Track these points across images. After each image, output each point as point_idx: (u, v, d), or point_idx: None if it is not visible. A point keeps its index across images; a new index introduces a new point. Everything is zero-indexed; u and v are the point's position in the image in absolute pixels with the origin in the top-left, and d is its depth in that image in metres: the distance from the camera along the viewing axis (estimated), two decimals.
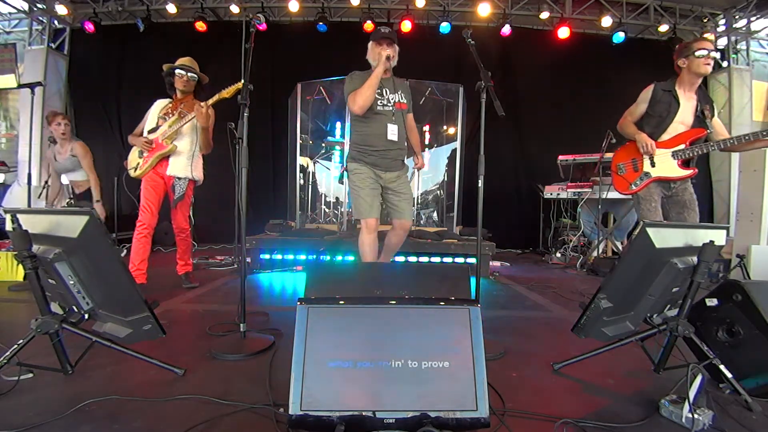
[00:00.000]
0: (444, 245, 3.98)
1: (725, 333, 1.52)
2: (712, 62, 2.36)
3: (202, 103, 2.74)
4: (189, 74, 2.91)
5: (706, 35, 5.93)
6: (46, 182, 3.66)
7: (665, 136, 2.50)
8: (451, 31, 5.91)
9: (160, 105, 2.99)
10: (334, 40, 6.13)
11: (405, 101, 2.65)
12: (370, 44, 2.54)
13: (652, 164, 2.49)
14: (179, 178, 2.91)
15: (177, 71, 2.89)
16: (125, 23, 6.24)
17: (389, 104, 2.56)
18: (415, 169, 2.88)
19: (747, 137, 2.32)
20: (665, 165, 2.47)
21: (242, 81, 2.39)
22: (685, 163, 2.49)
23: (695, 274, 1.44)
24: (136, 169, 2.89)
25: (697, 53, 2.35)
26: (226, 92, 2.61)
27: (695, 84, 2.46)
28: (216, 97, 2.69)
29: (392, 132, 2.54)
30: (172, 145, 2.85)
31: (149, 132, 2.89)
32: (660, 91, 2.51)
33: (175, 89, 2.96)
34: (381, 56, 2.43)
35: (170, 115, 2.90)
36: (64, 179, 3.39)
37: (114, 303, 1.44)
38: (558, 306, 2.86)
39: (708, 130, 2.44)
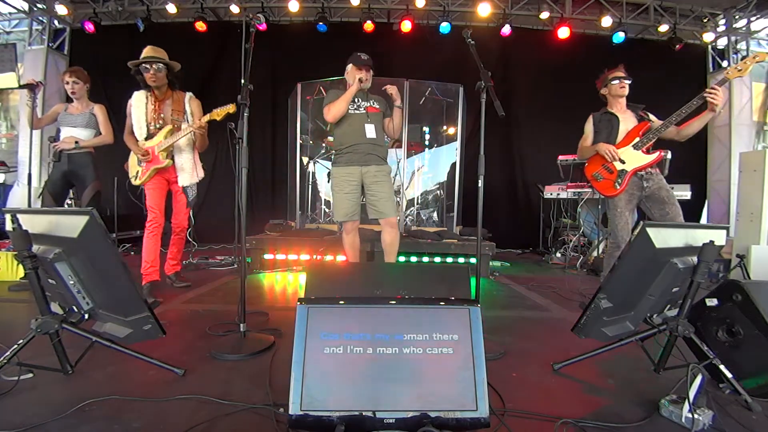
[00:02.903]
0: (444, 245, 3.98)
1: (725, 333, 1.52)
2: (626, 86, 2.68)
3: (199, 122, 2.73)
4: (154, 66, 2.77)
5: (705, 35, 5.94)
6: (46, 182, 3.63)
7: (618, 139, 2.70)
8: (451, 31, 5.90)
9: (140, 104, 2.87)
10: (334, 40, 6.12)
11: (378, 106, 2.83)
12: (350, 66, 2.78)
13: (622, 161, 2.63)
14: (189, 186, 2.97)
15: (142, 66, 2.79)
16: (125, 23, 6.24)
17: (360, 108, 2.78)
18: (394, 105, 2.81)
19: (684, 110, 2.44)
20: (633, 157, 2.62)
21: (233, 105, 2.48)
22: (648, 151, 2.63)
23: (695, 274, 1.44)
24: (136, 177, 2.91)
25: (612, 82, 2.71)
26: (217, 114, 2.63)
27: (621, 104, 2.75)
28: (208, 117, 2.70)
29: (370, 130, 2.75)
30: (168, 160, 2.85)
31: (145, 139, 2.86)
32: (598, 116, 2.82)
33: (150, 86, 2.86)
34: (355, 78, 2.70)
35: (159, 122, 2.85)
36: (65, 132, 3.13)
37: (114, 303, 1.44)
38: (558, 306, 2.86)
39: (650, 122, 2.65)
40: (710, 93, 2.31)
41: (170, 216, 3.05)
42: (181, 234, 3.13)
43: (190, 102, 2.94)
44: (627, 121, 2.71)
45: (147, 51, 2.83)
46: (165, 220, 2.94)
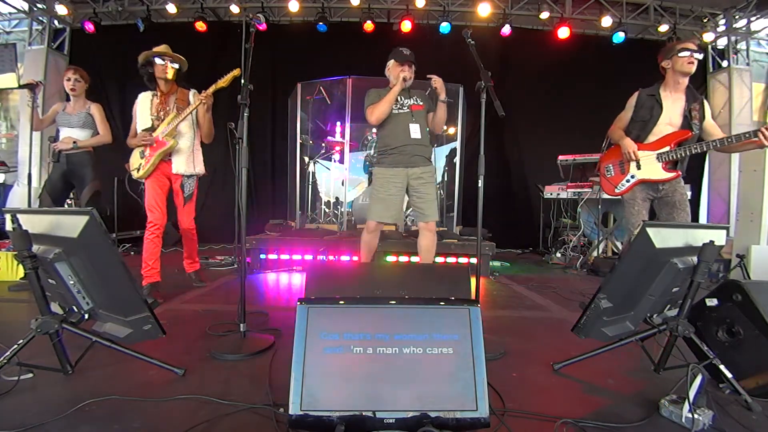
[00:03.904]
0: (444, 245, 3.98)
1: (725, 333, 1.52)
2: (695, 62, 2.38)
3: (204, 93, 2.70)
4: (168, 60, 2.79)
5: (705, 36, 5.93)
6: (46, 182, 3.62)
7: (651, 138, 2.52)
8: (451, 31, 5.90)
9: (146, 101, 2.87)
10: (334, 40, 6.13)
11: (421, 103, 2.73)
12: (391, 62, 2.65)
13: (638, 166, 2.52)
14: (187, 176, 2.91)
15: (157, 60, 2.78)
16: (125, 23, 6.24)
17: (404, 107, 2.68)
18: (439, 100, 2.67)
19: (730, 139, 2.31)
20: (650, 167, 2.50)
21: (238, 69, 2.37)
22: (674, 164, 2.50)
23: (695, 274, 1.44)
24: (138, 170, 2.84)
25: (680, 54, 2.38)
26: (223, 81, 2.61)
27: (681, 84, 2.46)
28: (213, 87, 2.67)
29: (414, 130, 2.65)
30: (173, 141, 2.79)
31: (145, 131, 2.83)
32: (644, 96, 2.55)
33: (155, 81, 2.85)
34: (399, 77, 2.57)
35: (164, 112, 2.83)
36: (64, 133, 3.13)
37: (114, 303, 1.44)
38: (558, 306, 2.86)
39: (693, 132, 2.43)
40: (765, 134, 2.18)
41: (175, 220, 3.03)
42: (190, 235, 3.09)
43: (194, 97, 2.91)
44: (672, 112, 2.46)
45: (160, 48, 2.84)
46: (167, 220, 2.90)
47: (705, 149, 2.40)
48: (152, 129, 2.82)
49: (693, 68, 2.39)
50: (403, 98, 2.68)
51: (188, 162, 2.89)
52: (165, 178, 2.89)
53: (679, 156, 2.43)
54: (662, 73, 2.52)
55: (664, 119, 2.48)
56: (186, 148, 2.88)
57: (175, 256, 3.38)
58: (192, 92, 2.96)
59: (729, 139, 2.31)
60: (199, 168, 2.97)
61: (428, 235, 2.72)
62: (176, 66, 2.84)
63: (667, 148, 2.46)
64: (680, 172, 2.49)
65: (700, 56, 2.39)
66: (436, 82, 2.54)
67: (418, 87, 2.77)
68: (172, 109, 2.84)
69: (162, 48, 2.83)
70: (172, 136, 2.80)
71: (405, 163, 2.66)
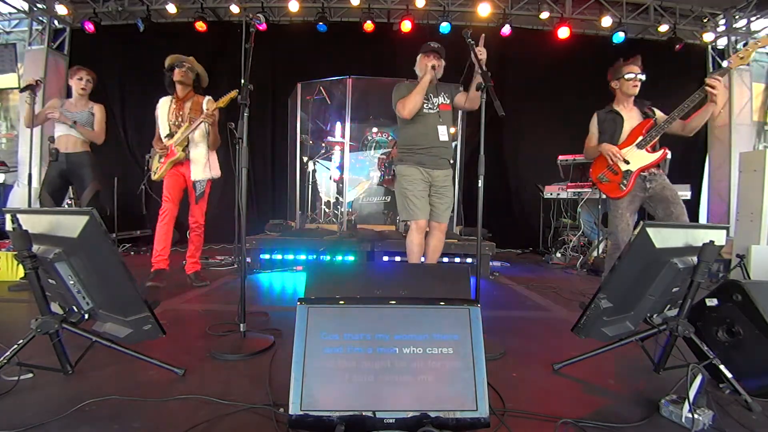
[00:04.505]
0: (444, 245, 3.97)
1: (725, 333, 1.52)
2: (639, 84, 2.59)
3: (206, 113, 2.92)
4: (187, 65, 3.02)
5: (705, 35, 5.94)
6: (44, 181, 3.62)
7: (622, 139, 2.66)
8: (451, 31, 5.90)
9: (165, 106, 3.08)
10: (334, 40, 6.12)
11: (447, 102, 2.71)
12: (419, 56, 2.65)
13: (626, 162, 2.59)
14: (199, 181, 3.10)
15: (178, 62, 3.00)
16: (125, 23, 6.23)
17: (434, 107, 2.65)
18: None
19: (686, 105, 2.40)
20: (637, 157, 2.58)
21: (236, 90, 2.58)
22: (654, 149, 2.60)
23: (695, 274, 1.44)
24: (155, 172, 3.10)
25: (626, 76, 2.60)
26: (221, 102, 2.87)
27: (629, 101, 2.67)
28: (214, 105, 2.90)
29: (442, 132, 2.64)
30: (181, 152, 2.99)
31: (166, 137, 3.05)
32: (603, 114, 2.76)
33: (174, 85, 3.04)
34: (427, 67, 2.55)
35: (180, 119, 3.03)
36: (62, 130, 3.13)
37: (114, 303, 1.44)
38: (558, 306, 2.86)
39: (654, 118, 2.60)
40: (709, 84, 2.30)
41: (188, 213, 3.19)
42: (198, 231, 3.20)
43: (207, 104, 3.06)
44: (632, 119, 2.65)
45: (191, 59, 3.09)
46: (177, 212, 3.09)
47: (671, 121, 2.48)
48: (171, 135, 3.05)
49: (636, 90, 2.60)
50: (432, 96, 2.65)
51: (204, 169, 3.10)
52: (180, 176, 3.09)
53: (653, 136, 2.54)
54: (613, 92, 2.74)
55: (627, 126, 2.64)
56: (202, 156, 3.08)
57: (176, 257, 3.38)
58: (207, 99, 3.11)
59: (685, 105, 2.41)
60: (215, 172, 3.18)
61: (439, 236, 2.73)
62: (193, 72, 3.06)
63: (640, 138, 2.58)
64: (666, 149, 2.59)
65: (643, 77, 2.59)
66: (482, 53, 2.25)
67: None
68: (186, 118, 3.04)
69: (190, 60, 3.08)
70: (182, 146, 3.00)
71: (431, 165, 2.64)
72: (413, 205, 2.62)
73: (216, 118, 2.97)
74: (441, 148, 2.65)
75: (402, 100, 2.59)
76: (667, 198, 2.56)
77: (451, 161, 2.77)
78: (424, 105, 2.60)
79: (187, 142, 3.02)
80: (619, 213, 2.64)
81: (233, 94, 2.75)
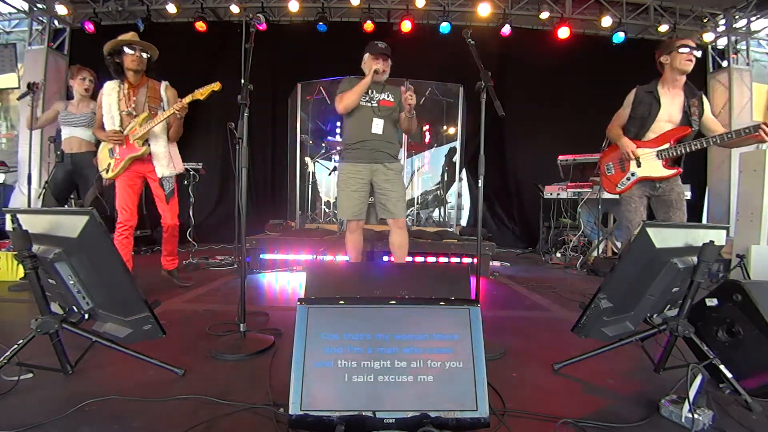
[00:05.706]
0: (444, 245, 3.98)
1: (725, 333, 1.52)
2: (693, 60, 2.36)
3: (179, 103, 2.58)
4: (141, 53, 2.68)
5: (705, 35, 5.93)
6: (47, 182, 3.63)
7: (650, 135, 2.51)
8: (451, 31, 5.91)
9: (113, 93, 2.72)
10: (334, 40, 6.12)
11: (392, 100, 2.69)
12: (367, 55, 2.64)
13: (638, 164, 2.51)
14: (166, 177, 2.83)
15: (126, 50, 2.66)
16: (125, 23, 6.23)
17: (373, 101, 2.64)
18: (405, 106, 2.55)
19: (730, 135, 2.29)
20: (650, 165, 2.49)
21: (218, 83, 2.43)
22: (675, 161, 2.49)
23: (695, 274, 1.44)
24: (108, 170, 2.74)
25: (680, 50, 2.36)
26: (200, 93, 2.50)
27: (679, 81, 2.44)
28: (190, 98, 2.55)
29: (377, 125, 2.61)
30: (145, 147, 2.70)
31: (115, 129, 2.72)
32: (642, 93, 2.53)
33: (123, 72, 2.72)
34: (371, 70, 2.56)
35: (134, 108, 2.71)
36: (67, 132, 3.12)
37: (114, 303, 1.44)
38: (558, 306, 2.86)
39: (693, 128, 2.42)
40: (765, 129, 2.16)
41: (156, 219, 2.97)
42: (173, 232, 2.96)
43: (166, 90, 2.83)
44: (671, 109, 2.44)
45: (131, 36, 2.73)
46: (137, 220, 2.84)
47: (705, 145, 2.38)
48: (121, 125, 2.70)
49: (691, 66, 2.38)
50: (374, 91, 2.64)
51: (168, 164, 2.82)
52: (137, 177, 2.81)
53: (679, 153, 2.42)
54: (660, 70, 2.50)
55: (662, 116, 2.46)
56: (163, 150, 2.79)
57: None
58: (164, 85, 2.84)
59: (729, 135, 2.30)
60: (179, 167, 2.90)
61: (399, 233, 2.71)
62: (147, 55, 2.73)
63: (666, 146, 2.45)
64: (680, 170, 2.48)
65: (699, 54, 2.38)
66: (410, 98, 2.46)
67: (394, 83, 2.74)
68: (143, 107, 2.71)
69: (129, 36, 2.72)
70: (143, 140, 2.70)
71: (367, 159, 2.62)
72: (346, 204, 2.65)
73: (185, 113, 2.65)
74: (376, 141, 2.61)
75: (341, 94, 2.60)
76: (671, 202, 2.50)
77: (395, 156, 2.72)
78: (362, 99, 2.60)
79: (148, 136, 2.71)
80: (632, 207, 2.55)
81: (215, 86, 2.44)
